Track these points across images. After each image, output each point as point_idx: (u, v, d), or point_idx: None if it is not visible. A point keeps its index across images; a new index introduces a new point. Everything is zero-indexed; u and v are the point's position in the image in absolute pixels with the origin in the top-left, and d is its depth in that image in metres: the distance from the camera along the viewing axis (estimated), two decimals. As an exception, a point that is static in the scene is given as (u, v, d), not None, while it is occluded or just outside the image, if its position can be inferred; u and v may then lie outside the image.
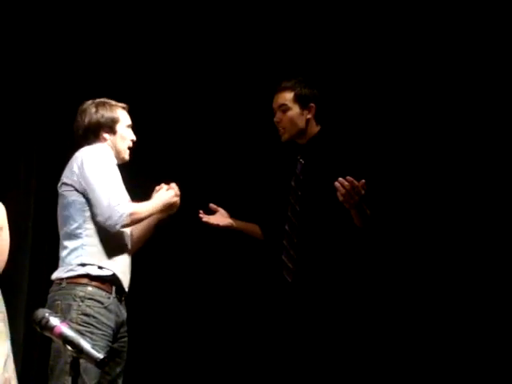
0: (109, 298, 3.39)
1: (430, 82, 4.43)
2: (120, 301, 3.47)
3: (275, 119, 3.93)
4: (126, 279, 3.47)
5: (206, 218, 3.99)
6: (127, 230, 3.50)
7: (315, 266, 3.76)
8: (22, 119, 4.65)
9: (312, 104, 3.90)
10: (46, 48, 4.71)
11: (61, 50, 4.73)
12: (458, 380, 4.21)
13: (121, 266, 3.43)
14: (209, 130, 4.87)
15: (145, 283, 4.39)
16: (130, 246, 3.52)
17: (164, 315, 4.77)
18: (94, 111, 3.54)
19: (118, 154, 3.57)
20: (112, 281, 3.40)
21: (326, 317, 3.69)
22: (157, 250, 4.26)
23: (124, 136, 3.57)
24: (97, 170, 3.40)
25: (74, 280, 3.37)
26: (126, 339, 3.53)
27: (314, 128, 3.93)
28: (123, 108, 3.63)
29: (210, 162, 4.84)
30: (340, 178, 3.46)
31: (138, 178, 4.00)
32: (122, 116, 3.59)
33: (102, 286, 3.38)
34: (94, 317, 3.32)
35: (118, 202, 3.34)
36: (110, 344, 3.36)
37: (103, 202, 3.34)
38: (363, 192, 3.47)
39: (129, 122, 3.61)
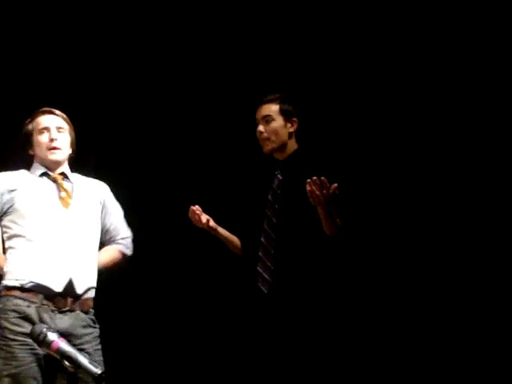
0: (29, 306, 3.30)
1: (407, 104, 4.53)
2: (59, 311, 3.36)
3: (259, 129, 3.96)
4: (59, 285, 3.35)
5: (199, 213, 3.94)
6: (60, 237, 3.43)
7: (292, 276, 3.79)
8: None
9: (295, 119, 3.96)
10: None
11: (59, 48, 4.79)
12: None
13: (48, 275, 3.34)
14: (189, 143, 4.92)
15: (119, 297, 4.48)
16: (68, 251, 3.42)
17: (136, 330, 4.78)
18: None
19: (44, 160, 3.58)
20: (36, 290, 3.33)
21: (303, 327, 3.72)
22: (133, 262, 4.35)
23: (39, 142, 3.57)
24: None
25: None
26: (84, 346, 3.34)
27: (294, 145, 3.99)
28: (37, 114, 3.62)
29: (189, 175, 4.89)
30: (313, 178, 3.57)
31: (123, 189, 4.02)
32: (31, 127, 3.60)
33: (21, 295, 3.32)
34: (9, 329, 3.25)
35: None
36: (36, 352, 3.20)
37: None
38: (330, 192, 3.54)
39: (39, 126, 3.59)
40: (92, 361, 2.74)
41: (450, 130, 4.42)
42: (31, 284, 3.32)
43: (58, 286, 3.35)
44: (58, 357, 2.79)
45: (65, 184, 3.57)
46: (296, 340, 3.70)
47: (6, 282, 3.36)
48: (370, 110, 4.60)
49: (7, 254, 3.44)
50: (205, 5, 4.83)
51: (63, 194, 3.52)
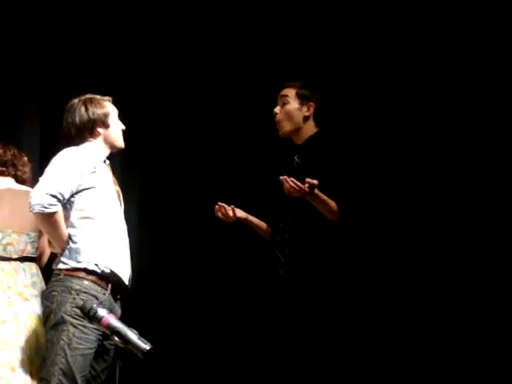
0: (104, 294, 3.40)
1: (419, 90, 4.63)
2: (115, 299, 3.51)
3: (274, 110, 4.07)
4: (125, 275, 3.52)
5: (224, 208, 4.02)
6: (122, 227, 3.58)
7: (304, 259, 3.90)
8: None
9: (312, 103, 4.05)
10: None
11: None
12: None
13: (118, 263, 3.49)
14: (207, 131, 5.04)
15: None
16: (127, 243, 3.59)
17: (153, 307, 4.93)
18: (83, 110, 3.64)
19: (112, 144, 3.71)
20: (108, 278, 3.44)
21: (316, 308, 3.84)
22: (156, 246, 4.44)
23: (116, 127, 3.71)
24: (55, 163, 3.46)
25: (71, 272, 3.40)
26: None
27: (312, 128, 4.07)
28: (109, 101, 3.75)
29: (208, 163, 5.02)
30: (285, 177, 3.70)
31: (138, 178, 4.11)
32: (110, 109, 3.72)
33: (98, 281, 3.41)
34: None
35: (46, 191, 3.34)
36: (100, 338, 3.37)
37: (38, 185, 3.40)
38: (305, 188, 3.66)
39: (116, 112, 3.75)
40: (141, 337, 2.82)
41: (468, 108, 4.52)
42: (109, 272, 3.42)
43: (126, 279, 3.52)
44: (108, 332, 2.86)
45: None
46: (310, 321, 3.81)
47: (85, 264, 3.39)
48: (390, 99, 4.70)
49: (75, 232, 3.45)
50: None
51: (117, 187, 3.67)
